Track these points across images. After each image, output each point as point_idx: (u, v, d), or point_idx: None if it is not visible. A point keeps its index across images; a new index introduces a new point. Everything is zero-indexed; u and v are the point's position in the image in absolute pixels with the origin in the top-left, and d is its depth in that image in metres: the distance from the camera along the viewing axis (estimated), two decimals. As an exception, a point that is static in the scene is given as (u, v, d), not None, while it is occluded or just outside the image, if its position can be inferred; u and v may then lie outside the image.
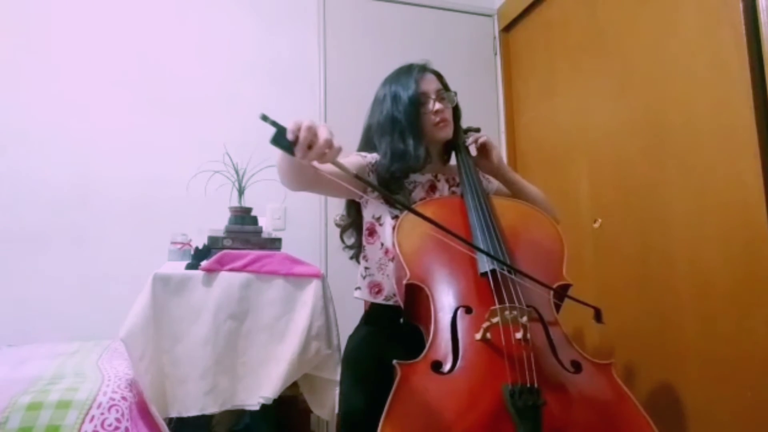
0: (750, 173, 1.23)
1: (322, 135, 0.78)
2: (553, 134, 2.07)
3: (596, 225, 1.76)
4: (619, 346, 1.65)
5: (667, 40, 1.49)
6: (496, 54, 2.49)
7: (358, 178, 0.85)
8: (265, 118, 0.76)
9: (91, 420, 1.05)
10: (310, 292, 1.38)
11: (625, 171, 1.65)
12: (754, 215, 1.22)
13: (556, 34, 2.04)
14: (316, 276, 1.40)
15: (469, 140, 1.30)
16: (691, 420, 1.37)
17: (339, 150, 0.81)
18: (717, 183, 1.32)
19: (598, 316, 0.93)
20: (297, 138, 0.77)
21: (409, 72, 1.23)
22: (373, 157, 1.22)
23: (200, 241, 1.60)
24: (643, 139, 1.57)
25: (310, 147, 0.78)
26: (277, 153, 1.84)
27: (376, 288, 1.21)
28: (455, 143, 1.29)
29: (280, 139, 0.78)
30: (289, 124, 0.78)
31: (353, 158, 1.21)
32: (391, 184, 1.19)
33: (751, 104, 1.23)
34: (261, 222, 1.61)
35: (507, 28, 2.43)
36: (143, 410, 1.16)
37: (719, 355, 1.30)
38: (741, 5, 1.25)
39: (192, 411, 1.25)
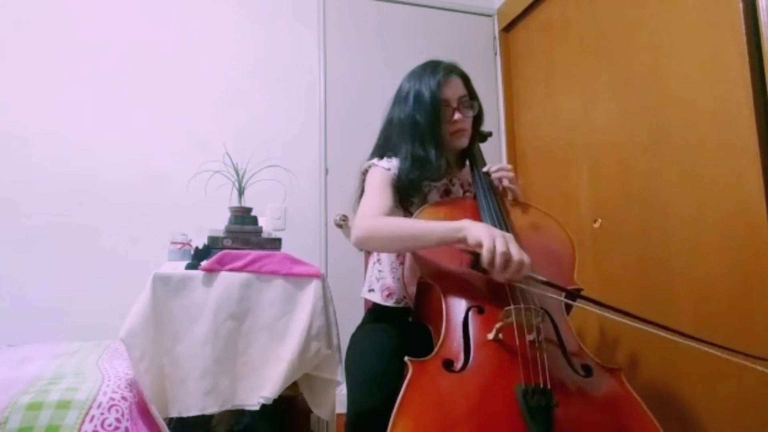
0: (750, 173, 1.23)
1: (515, 257, 0.84)
2: (553, 134, 2.07)
3: (596, 225, 1.76)
4: (619, 345, 1.65)
5: (667, 40, 1.49)
6: (496, 54, 2.49)
7: (549, 284, 0.90)
8: (464, 250, 0.89)
9: (91, 420, 1.04)
10: (310, 292, 1.38)
11: (625, 171, 1.65)
12: (754, 215, 1.22)
13: (556, 34, 2.04)
14: (316, 276, 1.40)
15: (492, 168, 1.22)
16: (691, 419, 1.37)
17: (530, 264, 0.87)
18: (717, 183, 1.32)
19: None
20: (492, 262, 0.85)
21: (434, 72, 1.20)
22: (394, 166, 1.20)
23: (200, 241, 1.60)
24: (643, 139, 1.57)
25: (505, 267, 0.85)
26: (276, 153, 1.84)
27: (387, 291, 1.21)
28: (470, 149, 1.28)
29: (478, 265, 0.87)
30: (483, 253, 0.85)
31: (382, 177, 1.18)
32: (410, 189, 1.19)
33: (751, 104, 1.23)
34: (261, 222, 1.61)
35: (507, 28, 2.43)
36: (143, 410, 1.15)
37: (719, 356, 1.30)
38: (741, 5, 1.25)
39: (192, 411, 1.25)
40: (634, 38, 1.62)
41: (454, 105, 1.19)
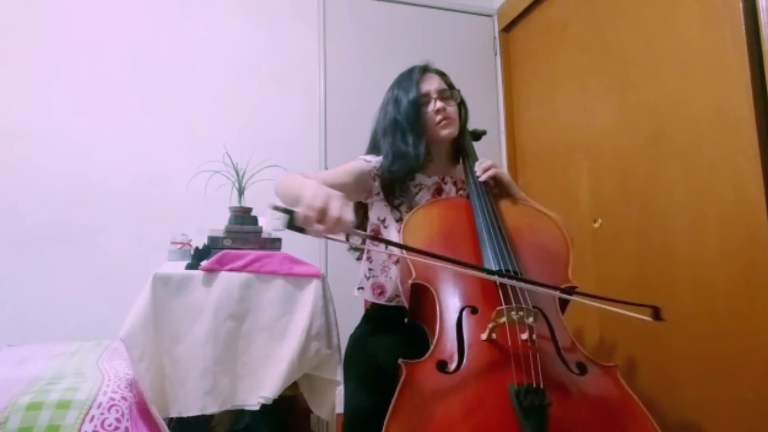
0: (750, 173, 1.23)
1: (332, 213, 0.81)
2: (553, 134, 2.07)
3: (596, 225, 1.76)
4: (618, 345, 1.65)
5: (667, 40, 1.49)
6: (496, 54, 2.49)
7: (374, 239, 0.87)
8: (276, 208, 0.83)
9: (91, 420, 1.05)
10: (310, 292, 1.38)
11: (625, 171, 1.65)
12: (754, 215, 1.22)
13: (556, 34, 2.04)
14: (316, 276, 1.40)
15: (478, 171, 1.19)
16: (690, 419, 1.37)
17: (350, 222, 0.84)
18: (717, 183, 1.32)
19: (657, 314, 0.83)
20: (307, 218, 0.81)
21: (410, 75, 1.23)
22: (377, 160, 1.22)
23: (200, 241, 1.60)
24: (643, 138, 1.57)
25: (320, 222, 0.82)
26: (276, 153, 1.85)
27: (379, 289, 1.21)
28: (462, 144, 1.28)
29: (291, 223, 0.82)
30: (299, 207, 0.82)
31: (357, 164, 1.21)
32: (394, 186, 1.19)
33: (751, 104, 1.23)
34: (261, 222, 1.61)
35: (507, 28, 2.43)
36: (143, 410, 1.15)
37: (719, 355, 1.31)
38: (741, 5, 1.25)
39: (192, 411, 1.25)
40: (634, 38, 1.62)
41: (435, 96, 1.21)
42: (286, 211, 0.82)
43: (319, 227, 0.81)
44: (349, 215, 0.83)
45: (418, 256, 0.95)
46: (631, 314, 0.85)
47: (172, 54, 2.08)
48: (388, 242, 0.96)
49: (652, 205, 1.53)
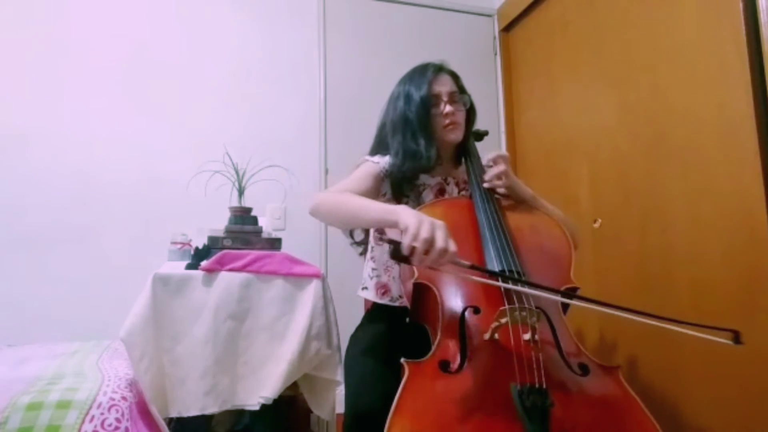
0: (750, 173, 1.23)
1: (438, 244, 0.80)
2: (553, 134, 2.07)
3: (596, 225, 1.76)
4: (619, 346, 1.65)
5: (667, 40, 1.49)
6: (496, 54, 2.49)
7: (475, 268, 0.86)
8: (381, 239, 0.84)
9: (91, 420, 1.04)
10: (310, 292, 1.38)
11: (625, 171, 1.65)
12: (753, 215, 1.22)
13: (556, 34, 2.04)
14: (316, 276, 1.40)
15: (487, 177, 1.17)
16: (691, 420, 1.37)
17: (455, 253, 0.82)
18: (717, 183, 1.32)
19: (737, 338, 0.86)
20: (414, 249, 0.81)
21: (423, 72, 1.22)
22: (385, 161, 1.21)
23: (200, 241, 1.60)
24: (644, 138, 1.57)
25: (426, 253, 0.81)
26: (276, 153, 1.84)
27: (382, 289, 1.21)
28: (465, 145, 1.28)
29: (397, 253, 0.82)
30: (405, 238, 0.81)
31: (369, 167, 1.20)
32: (403, 184, 1.19)
33: (751, 104, 1.23)
34: (261, 222, 1.61)
35: (507, 28, 2.43)
36: (143, 410, 1.15)
37: (719, 356, 1.30)
38: (741, 5, 1.25)
39: (192, 411, 1.25)
40: (634, 38, 1.62)
41: (445, 99, 1.20)
42: (391, 242, 0.83)
43: (425, 258, 0.81)
44: (453, 246, 0.82)
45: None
46: (710, 337, 0.87)
47: (171, 54, 2.08)
48: (487, 271, 0.93)
49: (652, 205, 1.53)
